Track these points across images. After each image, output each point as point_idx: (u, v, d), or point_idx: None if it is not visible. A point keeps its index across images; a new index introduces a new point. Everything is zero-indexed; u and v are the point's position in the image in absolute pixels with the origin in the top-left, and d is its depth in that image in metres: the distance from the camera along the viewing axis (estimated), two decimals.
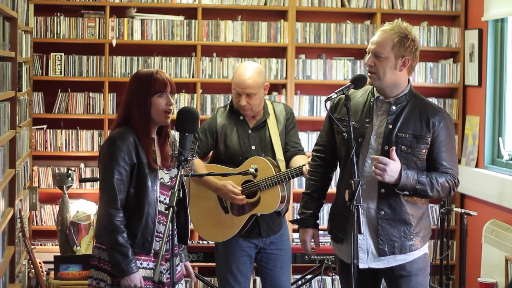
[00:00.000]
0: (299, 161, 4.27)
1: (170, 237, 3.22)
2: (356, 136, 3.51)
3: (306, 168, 4.13)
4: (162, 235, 3.35)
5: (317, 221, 3.77)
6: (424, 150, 3.48)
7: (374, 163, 3.40)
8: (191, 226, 3.70)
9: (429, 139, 3.47)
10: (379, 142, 3.50)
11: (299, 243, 6.04)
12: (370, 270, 3.57)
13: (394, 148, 3.42)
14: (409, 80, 3.56)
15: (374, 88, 3.58)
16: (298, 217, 3.81)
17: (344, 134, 3.55)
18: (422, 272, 3.57)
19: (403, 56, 3.46)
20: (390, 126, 3.49)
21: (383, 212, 3.49)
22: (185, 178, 3.44)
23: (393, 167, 3.38)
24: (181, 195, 3.41)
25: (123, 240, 3.28)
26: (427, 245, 3.62)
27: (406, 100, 3.52)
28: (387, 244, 3.50)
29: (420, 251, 3.56)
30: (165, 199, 3.38)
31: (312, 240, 3.77)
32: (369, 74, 3.51)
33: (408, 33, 3.48)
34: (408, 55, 3.47)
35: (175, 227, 3.44)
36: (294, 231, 6.26)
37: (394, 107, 3.51)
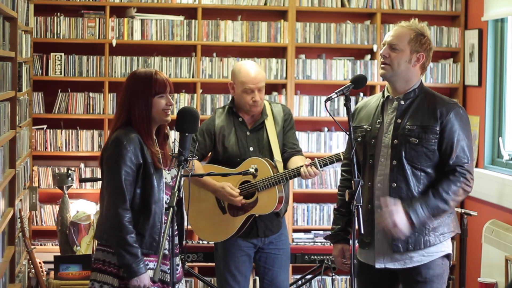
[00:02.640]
0: (297, 161, 4.26)
1: (171, 237, 3.22)
2: (369, 138, 3.54)
3: (303, 170, 4.13)
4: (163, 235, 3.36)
5: (347, 236, 3.71)
6: (433, 141, 3.46)
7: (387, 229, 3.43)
8: (189, 227, 3.70)
9: (438, 128, 3.46)
10: (389, 138, 3.52)
11: (299, 243, 6.10)
12: (388, 273, 3.55)
13: (386, 199, 3.43)
14: (420, 78, 3.58)
15: (385, 91, 3.60)
16: (329, 233, 3.80)
17: (359, 139, 3.58)
18: (439, 279, 3.52)
19: (418, 52, 3.51)
20: (399, 120, 3.51)
21: None
22: (183, 178, 3.44)
23: (400, 223, 3.38)
24: (181, 195, 3.43)
25: (132, 240, 3.28)
26: (448, 244, 3.55)
27: (415, 95, 3.54)
28: (401, 240, 3.47)
29: (439, 250, 3.51)
30: (168, 199, 3.39)
31: (344, 255, 3.73)
32: (382, 65, 3.54)
33: (425, 31, 3.53)
34: (423, 52, 3.51)
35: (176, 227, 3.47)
36: (294, 231, 6.26)
37: (402, 102, 3.53)
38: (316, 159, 4.15)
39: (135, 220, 3.32)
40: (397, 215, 3.39)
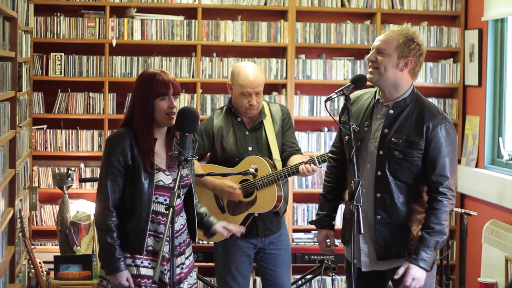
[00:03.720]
0: (297, 160, 4.27)
1: (170, 238, 3.22)
2: (355, 139, 3.51)
3: (302, 167, 4.14)
4: (162, 236, 3.36)
5: (333, 222, 3.77)
6: (418, 156, 3.45)
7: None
8: None
9: (423, 144, 3.44)
10: (375, 146, 3.51)
11: (299, 243, 6.11)
12: (376, 273, 3.57)
13: (401, 269, 3.43)
14: (412, 84, 3.54)
15: (377, 92, 3.58)
16: (315, 218, 3.84)
17: (346, 137, 3.56)
18: (428, 273, 3.53)
19: (406, 57, 3.46)
20: (386, 131, 3.49)
21: (379, 216, 3.49)
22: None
23: (419, 278, 3.41)
24: (181, 196, 3.43)
25: (111, 239, 3.32)
26: None
27: (405, 105, 3.50)
28: (385, 249, 3.50)
29: None
30: (165, 200, 3.38)
31: (328, 240, 3.77)
32: (370, 69, 3.51)
33: (415, 37, 3.49)
34: (411, 57, 3.47)
35: (182, 227, 3.46)
36: (294, 231, 6.26)
37: (391, 111, 3.50)
38: (314, 155, 4.15)
39: (123, 219, 3.36)
40: (414, 274, 3.41)
